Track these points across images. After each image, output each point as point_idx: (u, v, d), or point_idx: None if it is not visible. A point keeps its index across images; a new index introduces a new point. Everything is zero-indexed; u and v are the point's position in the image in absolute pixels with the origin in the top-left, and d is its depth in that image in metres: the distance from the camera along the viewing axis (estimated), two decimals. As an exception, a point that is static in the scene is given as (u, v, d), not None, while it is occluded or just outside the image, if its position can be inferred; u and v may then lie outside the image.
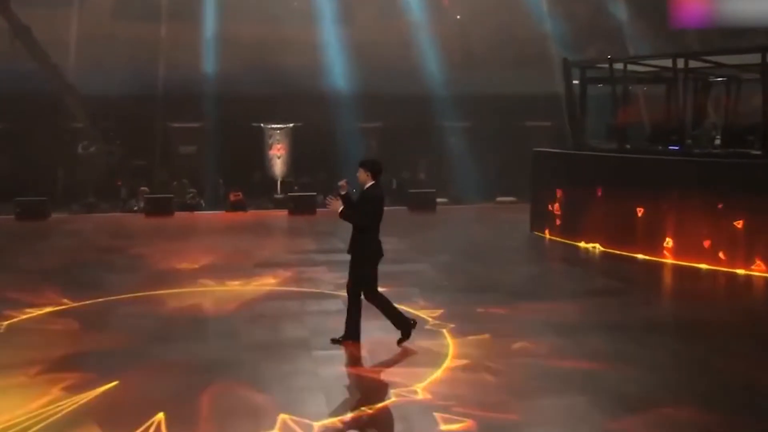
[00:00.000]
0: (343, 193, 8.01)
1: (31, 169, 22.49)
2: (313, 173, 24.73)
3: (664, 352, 8.22)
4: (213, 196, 23.40)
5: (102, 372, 7.31)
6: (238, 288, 11.25)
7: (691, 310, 10.17)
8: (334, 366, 7.66)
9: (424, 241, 15.95)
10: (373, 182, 8.01)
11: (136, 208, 21.08)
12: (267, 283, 11.62)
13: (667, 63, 14.51)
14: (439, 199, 21.64)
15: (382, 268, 12.22)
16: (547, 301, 10.45)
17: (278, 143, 25.38)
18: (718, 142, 14.36)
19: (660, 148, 14.63)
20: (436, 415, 6.29)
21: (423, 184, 24.15)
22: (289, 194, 22.02)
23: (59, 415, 6.34)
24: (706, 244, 12.50)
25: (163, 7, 24.62)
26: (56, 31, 22.95)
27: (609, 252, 14.07)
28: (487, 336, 8.58)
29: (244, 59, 24.10)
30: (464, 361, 7.70)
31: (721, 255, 12.31)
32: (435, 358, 7.75)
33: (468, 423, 6.14)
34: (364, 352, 7.99)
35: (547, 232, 15.91)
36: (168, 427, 6.09)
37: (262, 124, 25.40)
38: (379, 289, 8.19)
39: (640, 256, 13.41)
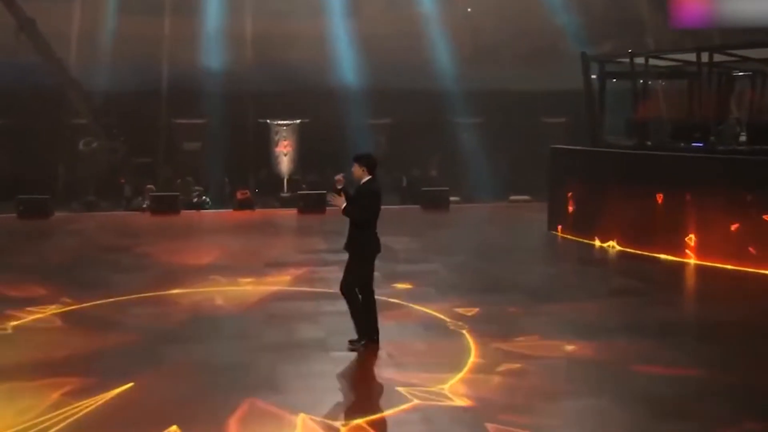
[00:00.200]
0: (339, 187, 7.86)
1: (32, 166, 22.12)
2: (320, 171, 24.34)
3: (692, 353, 8.04)
4: (218, 195, 23.02)
5: (114, 375, 7.13)
6: (249, 288, 11.02)
7: (714, 310, 9.94)
8: (354, 367, 7.61)
9: (439, 241, 15.65)
10: (369, 177, 7.87)
11: (144, 206, 20.66)
12: (279, 282, 11.39)
13: (690, 57, 14.12)
14: (451, 198, 21.27)
15: (398, 268, 12.18)
16: (569, 301, 10.26)
17: (285, 140, 25.04)
18: (743, 138, 13.96)
19: (683, 144, 14.24)
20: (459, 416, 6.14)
21: (434, 181, 23.74)
22: (299, 192, 21.61)
23: (69, 421, 6.11)
24: (731, 243, 12.17)
25: (167, 1, 24.31)
26: (60, 25, 22.62)
27: (629, 251, 13.75)
28: (508, 337, 8.41)
29: (250, 54, 23.87)
30: (486, 363, 7.57)
31: (748, 253, 11.93)
32: (457, 360, 7.60)
33: (492, 425, 6.05)
34: (383, 353, 7.85)
35: (565, 231, 15.52)
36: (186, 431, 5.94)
37: (268, 120, 25.05)
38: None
39: (662, 255, 13.08)
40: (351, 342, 7.96)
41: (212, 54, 23.80)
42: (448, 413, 6.33)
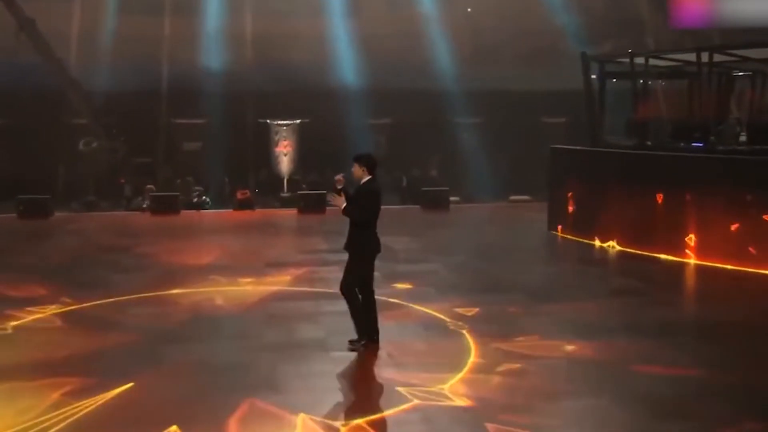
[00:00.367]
0: (339, 187, 7.85)
1: (32, 166, 22.08)
2: (320, 171, 24.32)
3: (692, 353, 8.02)
4: (218, 195, 22.99)
5: (114, 374, 7.11)
6: (250, 288, 11.00)
7: (714, 310, 9.91)
8: (354, 367, 7.60)
9: (439, 241, 15.62)
10: (369, 177, 7.85)
11: (145, 206, 20.64)
12: (279, 282, 11.36)
13: (690, 57, 14.09)
14: (451, 198, 21.25)
15: (398, 268, 12.16)
16: (569, 301, 10.22)
17: (285, 140, 25.00)
18: (743, 138, 13.94)
19: (682, 144, 14.22)
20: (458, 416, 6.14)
21: (434, 181, 23.70)
22: (299, 192, 21.58)
23: (69, 421, 6.09)
24: (731, 243, 12.14)
25: (167, 1, 24.28)
26: (60, 25, 22.58)
27: (629, 251, 13.73)
28: (508, 337, 8.39)
29: (250, 54, 23.83)
30: (486, 363, 7.56)
31: (748, 253, 11.90)
32: (457, 360, 7.59)
33: (492, 425, 6.03)
34: (383, 353, 7.83)
35: (565, 231, 15.50)
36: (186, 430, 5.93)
37: (268, 120, 25.01)
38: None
39: (662, 255, 13.05)
40: (351, 342, 7.94)
41: (212, 54, 23.77)
42: (448, 413, 6.31)
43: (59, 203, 21.20)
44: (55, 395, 6.59)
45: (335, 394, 6.84)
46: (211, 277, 11.55)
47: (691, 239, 12.72)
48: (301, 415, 6.15)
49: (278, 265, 12.55)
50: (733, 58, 14.62)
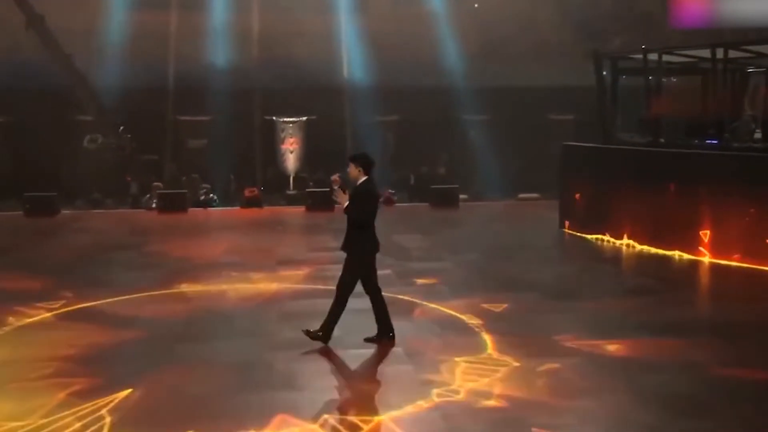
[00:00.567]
0: (336, 187, 7.83)
1: (38, 163, 21.98)
2: (327, 168, 24.15)
3: (711, 351, 7.92)
4: (224, 192, 22.88)
5: (125, 373, 7.05)
6: (262, 286, 10.92)
7: (733, 308, 9.78)
8: (371, 365, 7.57)
9: (451, 239, 15.50)
10: (366, 177, 7.78)
11: (153, 205, 20.53)
12: (292, 279, 11.30)
13: (704, 53, 13.96)
14: (460, 196, 21.12)
15: (411, 266, 12.07)
16: (585, 300, 10.16)
17: (291, 137, 24.84)
18: (758, 135, 13.80)
19: (696, 142, 14.10)
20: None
21: (442, 179, 23.55)
22: (307, 190, 21.46)
23: (80, 420, 6.00)
24: (745, 240, 12.02)
25: (173, -1, 24.15)
26: (68, 22, 22.45)
27: (642, 249, 13.62)
28: (525, 335, 8.32)
29: (256, 51, 23.67)
30: (504, 360, 7.47)
31: (763, 251, 11.76)
32: (474, 358, 7.52)
33: (510, 422, 6.03)
34: (400, 351, 7.78)
35: (578, 229, 15.36)
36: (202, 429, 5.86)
37: (274, 118, 24.87)
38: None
39: (676, 253, 12.93)
40: (367, 339, 7.97)
41: (218, 51, 23.63)
42: (466, 410, 6.27)
43: (64, 201, 21.11)
44: (62, 394, 6.51)
45: (353, 392, 6.81)
46: (222, 275, 11.46)
47: (706, 236, 12.60)
48: (322, 414, 6.09)
49: (290, 263, 12.48)
50: (747, 55, 14.48)
